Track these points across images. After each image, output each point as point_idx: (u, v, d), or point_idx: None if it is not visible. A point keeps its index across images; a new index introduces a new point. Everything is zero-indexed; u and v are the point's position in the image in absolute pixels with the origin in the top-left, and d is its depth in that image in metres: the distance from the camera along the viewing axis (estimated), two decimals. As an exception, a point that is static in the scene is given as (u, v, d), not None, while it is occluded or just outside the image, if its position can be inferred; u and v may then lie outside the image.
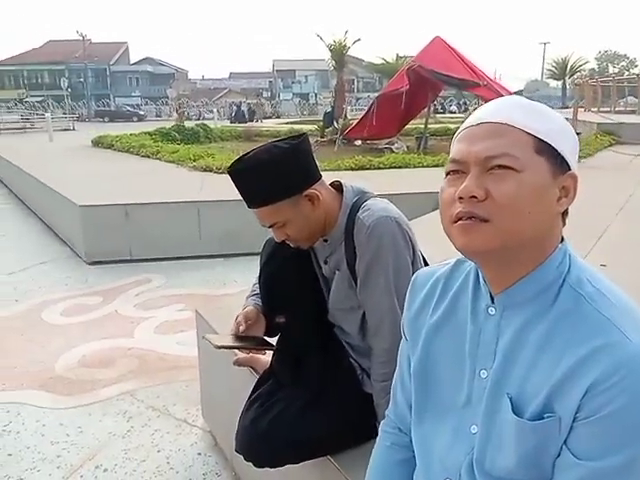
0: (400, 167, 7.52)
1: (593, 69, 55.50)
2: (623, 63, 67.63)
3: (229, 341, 1.47)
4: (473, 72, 9.83)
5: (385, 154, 9.09)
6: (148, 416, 2.70)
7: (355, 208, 1.42)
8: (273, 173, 1.33)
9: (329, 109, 17.07)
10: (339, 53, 17.10)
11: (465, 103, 31.51)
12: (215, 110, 30.48)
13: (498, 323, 0.84)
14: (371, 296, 1.39)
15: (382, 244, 1.35)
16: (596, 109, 16.26)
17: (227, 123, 24.03)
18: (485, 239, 0.76)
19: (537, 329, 0.79)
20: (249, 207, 1.40)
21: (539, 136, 0.76)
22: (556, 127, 0.78)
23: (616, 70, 60.02)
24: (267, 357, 1.90)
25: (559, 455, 0.77)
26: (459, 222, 0.78)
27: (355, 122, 12.21)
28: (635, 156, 7.84)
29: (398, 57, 23.30)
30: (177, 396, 2.89)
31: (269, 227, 1.41)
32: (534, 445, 0.77)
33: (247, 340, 1.49)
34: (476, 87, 9.63)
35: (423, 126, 11.98)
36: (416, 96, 10.60)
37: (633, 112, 14.62)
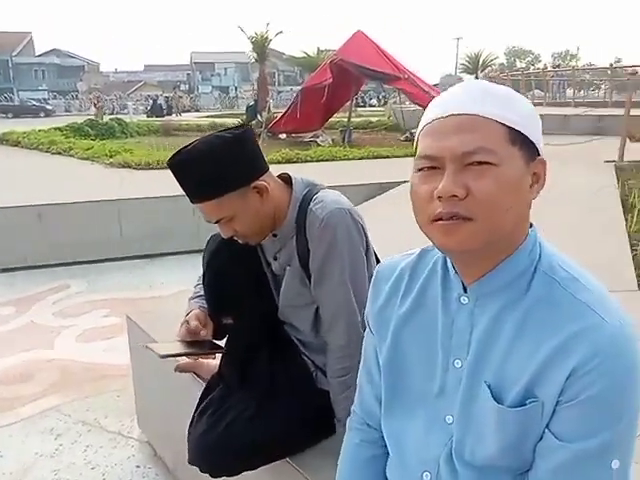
0: (327, 160, 7.55)
1: (503, 64, 58.59)
2: (529, 58, 72.12)
3: (175, 348, 1.36)
4: (394, 66, 10.03)
5: (311, 147, 9.08)
6: (78, 431, 2.51)
7: (306, 201, 1.37)
8: (217, 164, 1.25)
9: (252, 102, 16.84)
10: (261, 46, 16.90)
11: (385, 96, 32.23)
12: (130, 104, 29.21)
13: (471, 312, 0.83)
14: (326, 291, 1.35)
15: (336, 237, 1.31)
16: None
17: (143, 117, 23.08)
18: (469, 238, 0.75)
19: (512, 316, 0.79)
20: (193, 202, 1.31)
21: (511, 125, 0.74)
22: (525, 112, 0.76)
23: (523, 65, 63.83)
24: (211, 362, 1.80)
25: (540, 439, 0.76)
26: (440, 222, 0.75)
27: (280, 115, 12.12)
28: (546, 145, 8.28)
29: (319, 50, 23.39)
30: (108, 407, 2.71)
31: (215, 222, 1.33)
32: (517, 431, 0.77)
33: (195, 345, 1.38)
34: (398, 80, 9.83)
35: (346, 119, 12.08)
36: (339, 89, 10.67)
37: (541, 104, 15.55)
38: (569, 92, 19.74)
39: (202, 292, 1.56)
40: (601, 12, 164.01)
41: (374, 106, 31.23)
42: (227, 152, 1.27)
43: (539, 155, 0.77)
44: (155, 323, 2.27)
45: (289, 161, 7.37)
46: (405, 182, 5.52)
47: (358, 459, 1.02)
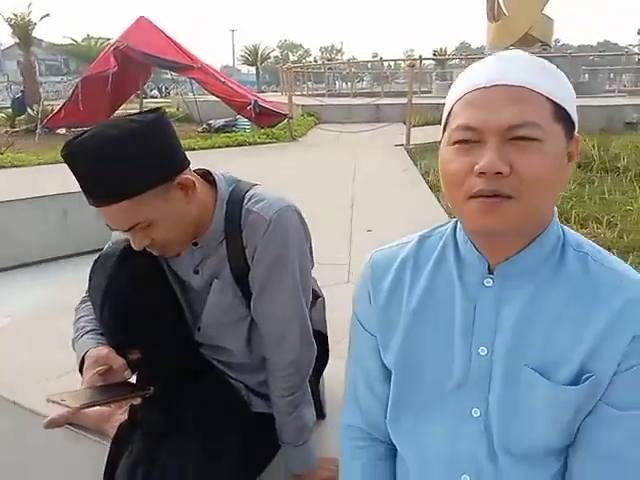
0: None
1: (277, 56, 61.09)
2: (300, 52, 76.77)
3: (89, 397, 1.04)
4: (186, 55, 9.62)
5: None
6: None
7: (235, 200, 1.17)
8: (135, 154, 1.00)
9: (19, 95, 14.59)
10: (24, 30, 14.63)
11: (166, 88, 30.95)
12: None
13: (497, 295, 0.79)
14: (273, 303, 1.18)
15: (288, 240, 1.16)
16: (291, 93, 17.90)
17: None
18: (510, 218, 0.70)
19: (551, 294, 0.77)
20: (96, 205, 1.03)
21: (557, 101, 0.71)
22: (568, 89, 0.74)
23: (295, 58, 67.59)
24: (95, 409, 1.48)
25: (589, 414, 0.76)
26: (480, 199, 0.70)
27: (57, 108, 10.73)
28: (340, 133, 8.90)
29: (89, 37, 21.33)
30: None
31: (127, 230, 1.06)
32: (572, 410, 0.75)
33: (111, 390, 1.09)
34: (191, 70, 9.46)
35: (132, 111, 11.20)
36: (126, 78, 9.89)
37: (322, 95, 16.57)
38: (337, 84, 21.51)
39: (89, 327, 1.24)
40: (359, 11, 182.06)
41: (156, 97, 29.74)
42: (147, 139, 1.02)
43: (574, 133, 0.75)
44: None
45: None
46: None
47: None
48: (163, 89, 31.88)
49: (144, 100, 14.93)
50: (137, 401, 1.09)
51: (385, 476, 0.92)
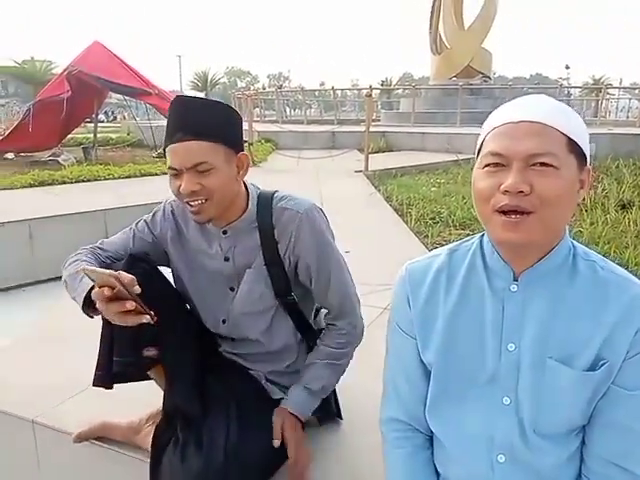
0: (89, 180, 6.81)
1: (225, 82, 61.41)
2: (248, 79, 77.60)
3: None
4: (142, 80, 9.61)
5: (54, 167, 8.09)
6: None
7: (265, 199, 1.36)
8: (227, 117, 1.28)
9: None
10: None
11: (113, 112, 30.46)
12: None
13: (522, 299, 0.93)
14: (333, 277, 1.37)
15: (320, 227, 1.35)
16: (251, 119, 18.05)
17: None
18: (530, 232, 0.86)
19: (567, 297, 0.92)
20: (181, 140, 1.21)
21: (570, 136, 0.87)
22: (581, 127, 0.89)
23: (243, 84, 68.12)
24: (124, 421, 1.52)
25: (603, 395, 0.90)
26: (504, 217, 0.86)
27: (7, 132, 10.41)
28: (299, 158, 9.10)
29: (32, 60, 20.79)
30: None
31: (189, 168, 1.21)
32: (591, 392, 0.90)
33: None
34: (148, 96, 9.45)
35: (81, 136, 11.06)
36: (80, 103, 9.72)
37: (275, 121, 16.78)
38: (287, 111, 21.88)
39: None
40: (305, 39, 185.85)
41: (103, 122, 29.18)
42: (236, 117, 1.31)
43: (586, 165, 0.91)
44: None
45: (43, 183, 6.42)
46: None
47: (417, 467, 1.04)
48: (110, 113, 31.34)
49: (89, 124, 14.62)
50: (146, 319, 1.10)
51: (425, 462, 1.05)
